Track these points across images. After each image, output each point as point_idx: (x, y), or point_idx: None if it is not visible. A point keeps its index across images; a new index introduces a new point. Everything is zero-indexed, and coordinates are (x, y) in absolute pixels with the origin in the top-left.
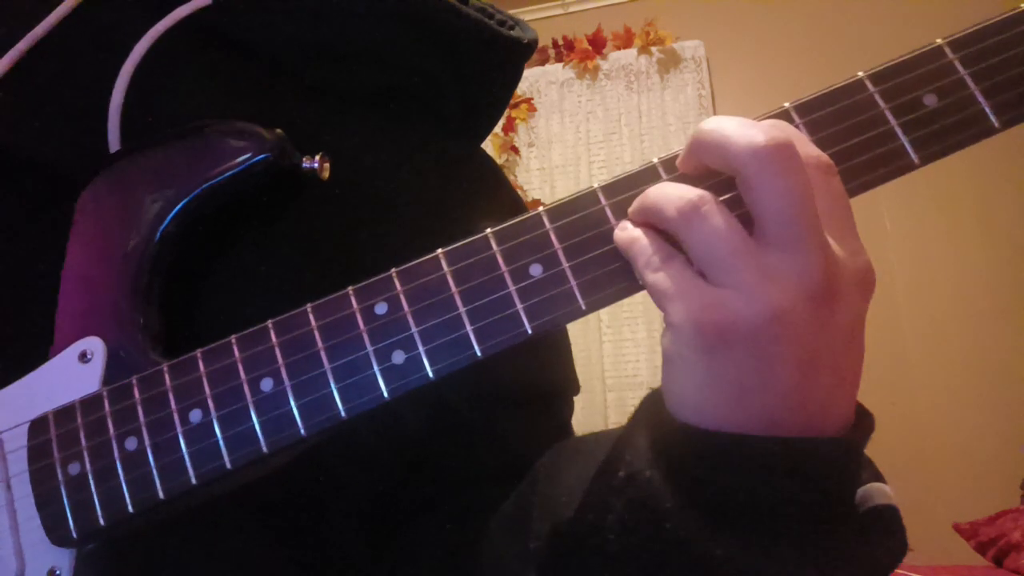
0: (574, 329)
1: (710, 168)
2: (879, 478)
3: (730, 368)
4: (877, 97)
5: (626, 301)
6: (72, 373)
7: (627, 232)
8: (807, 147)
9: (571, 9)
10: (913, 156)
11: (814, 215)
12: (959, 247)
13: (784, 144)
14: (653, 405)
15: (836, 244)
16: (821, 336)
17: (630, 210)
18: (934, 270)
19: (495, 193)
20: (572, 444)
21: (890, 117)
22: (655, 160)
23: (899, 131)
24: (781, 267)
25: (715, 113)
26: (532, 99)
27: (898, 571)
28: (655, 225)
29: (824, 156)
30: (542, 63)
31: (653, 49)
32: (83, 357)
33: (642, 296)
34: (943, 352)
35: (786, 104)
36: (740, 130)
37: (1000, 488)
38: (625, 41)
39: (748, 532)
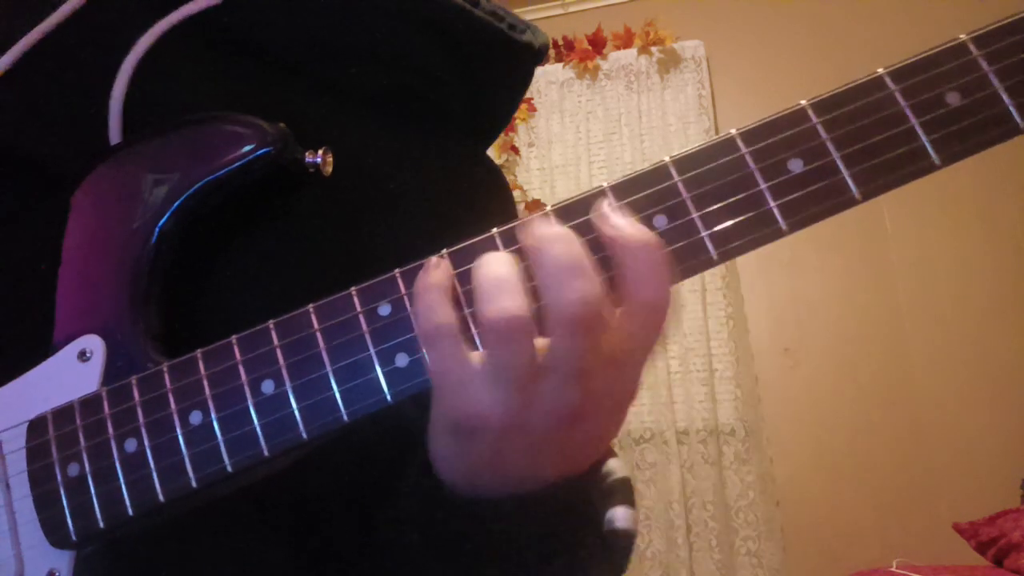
0: None
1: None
2: (628, 502)
3: (473, 453)
4: (897, 95)
5: None
6: (71, 372)
7: (426, 279)
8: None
9: (571, 9)
10: (934, 157)
11: (593, 372)
12: (960, 247)
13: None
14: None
15: (599, 388)
16: (564, 447)
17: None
18: (935, 270)
19: (498, 194)
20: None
21: (911, 116)
22: (667, 160)
23: (920, 130)
24: (542, 400)
25: (715, 113)
26: (532, 99)
27: (898, 571)
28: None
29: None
30: (542, 63)
31: (653, 49)
32: (82, 356)
33: None
34: (943, 352)
35: (803, 102)
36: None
37: (1000, 488)
38: (625, 41)
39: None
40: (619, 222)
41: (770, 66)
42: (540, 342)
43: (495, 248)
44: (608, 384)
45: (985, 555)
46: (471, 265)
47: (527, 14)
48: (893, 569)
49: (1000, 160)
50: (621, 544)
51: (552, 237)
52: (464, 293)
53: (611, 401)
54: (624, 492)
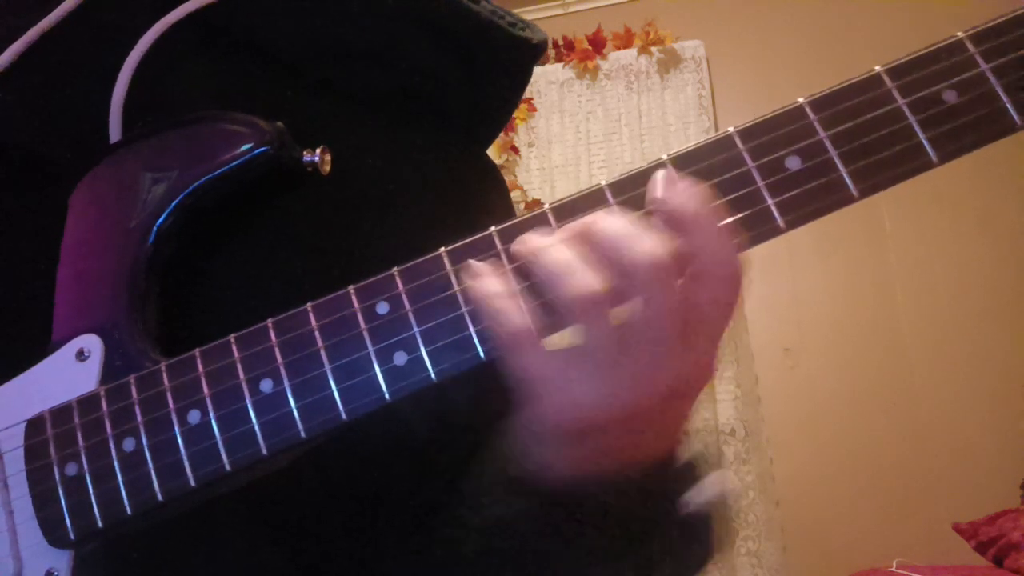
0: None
1: None
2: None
3: (576, 453)
4: (895, 92)
5: None
6: (69, 371)
7: (486, 287)
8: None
9: (571, 9)
10: (932, 154)
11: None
12: (959, 247)
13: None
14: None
15: (692, 350)
16: (659, 426)
17: (576, 230)
18: (934, 270)
19: (497, 193)
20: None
21: (908, 113)
22: (665, 157)
23: (917, 128)
24: (642, 374)
25: (715, 113)
26: (532, 99)
27: (898, 571)
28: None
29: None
30: (542, 63)
31: (653, 49)
32: (80, 355)
33: None
34: (943, 352)
35: (800, 99)
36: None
37: (1000, 488)
38: (625, 41)
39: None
40: (684, 189)
41: (770, 66)
42: (618, 311)
43: (494, 247)
44: (688, 351)
45: (985, 555)
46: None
47: (527, 14)
48: (893, 569)
49: (999, 160)
50: (715, 511)
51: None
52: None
53: (697, 370)
54: (705, 461)
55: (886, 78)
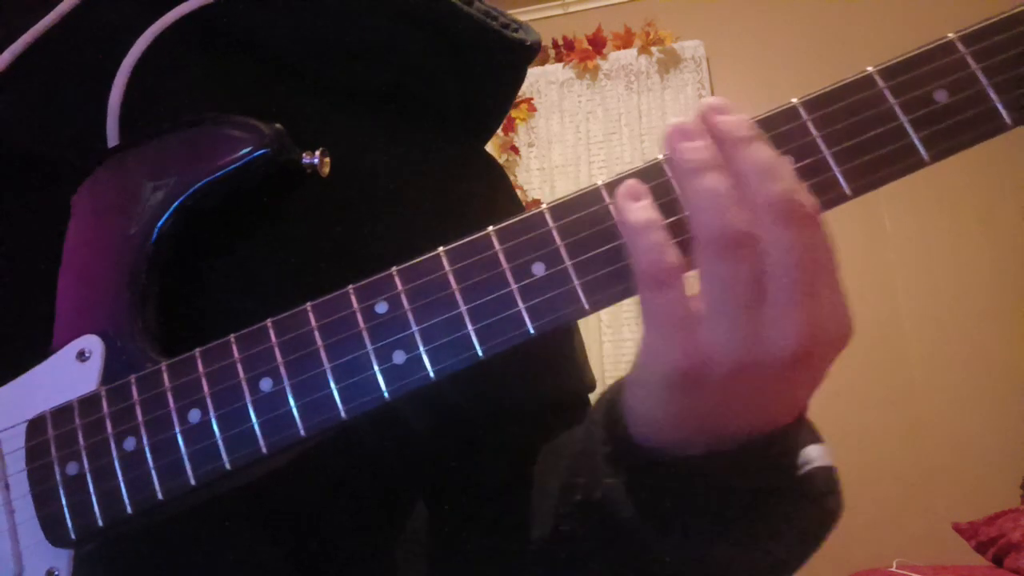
0: None
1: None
2: (817, 439)
3: (698, 407)
4: (887, 93)
5: (627, 300)
6: (70, 372)
7: (644, 214)
8: (800, 194)
9: (571, 9)
10: (923, 153)
11: (816, 279)
12: (959, 247)
13: (806, 209)
14: (610, 413)
15: (823, 304)
16: (786, 390)
17: (668, 155)
18: (934, 270)
19: (498, 193)
20: (556, 446)
21: (900, 113)
22: (661, 157)
23: (909, 128)
24: (771, 327)
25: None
26: (532, 99)
27: (898, 571)
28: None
29: (815, 204)
30: (542, 63)
31: (653, 49)
32: (81, 356)
33: None
34: (943, 352)
35: (794, 100)
36: (767, 181)
37: (1000, 488)
38: (625, 41)
39: (695, 531)
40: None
41: (770, 66)
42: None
43: (492, 247)
44: (825, 310)
45: (985, 555)
46: (473, 259)
47: (527, 14)
48: (893, 569)
49: (999, 160)
50: (823, 484)
51: (743, 135)
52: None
53: (829, 334)
54: (811, 431)
55: (878, 79)
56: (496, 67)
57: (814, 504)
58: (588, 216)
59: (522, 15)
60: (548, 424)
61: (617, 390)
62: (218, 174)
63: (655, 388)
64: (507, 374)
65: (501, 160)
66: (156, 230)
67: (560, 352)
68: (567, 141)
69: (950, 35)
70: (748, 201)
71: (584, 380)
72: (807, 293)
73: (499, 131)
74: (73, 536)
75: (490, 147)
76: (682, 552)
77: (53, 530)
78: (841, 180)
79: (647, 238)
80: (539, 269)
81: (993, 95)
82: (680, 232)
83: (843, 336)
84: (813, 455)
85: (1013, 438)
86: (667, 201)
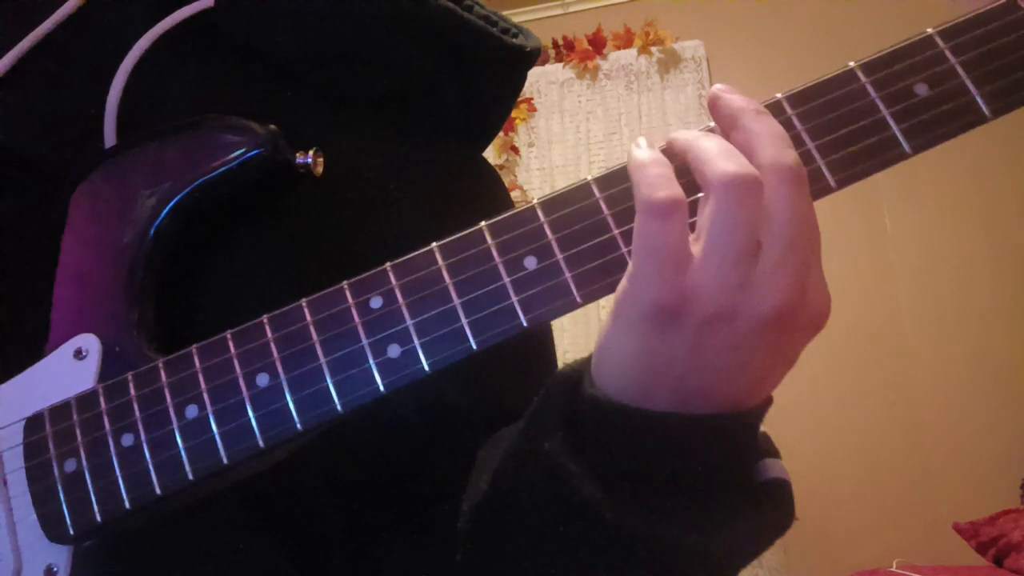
0: (574, 325)
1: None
2: (774, 454)
3: (666, 349)
4: (868, 87)
5: None
6: (67, 370)
7: (650, 153)
8: (785, 152)
9: (571, 9)
10: (905, 145)
11: (809, 249)
12: (960, 247)
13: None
14: (566, 377)
15: (808, 276)
16: (759, 352)
17: (673, 136)
18: (934, 270)
19: (494, 200)
20: (503, 432)
21: (881, 106)
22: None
23: (891, 120)
24: (758, 282)
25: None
26: (532, 99)
27: (898, 571)
28: (690, 166)
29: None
30: (542, 63)
31: (653, 49)
32: (78, 354)
33: None
34: (944, 352)
35: (778, 95)
36: (782, 145)
37: (1000, 488)
38: (625, 41)
39: (645, 497)
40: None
41: (770, 66)
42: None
43: (484, 241)
44: (810, 283)
45: (985, 555)
46: (466, 253)
47: (527, 14)
48: (893, 569)
49: (999, 160)
50: (781, 494)
51: (761, 108)
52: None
53: (808, 308)
54: (769, 444)
55: (860, 73)
56: (496, 73)
57: (769, 509)
58: (579, 210)
59: (522, 15)
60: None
61: (565, 368)
62: (213, 174)
63: (630, 321)
64: (504, 376)
65: (501, 160)
66: (153, 230)
67: (549, 353)
68: (567, 141)
69: (929, 30)
70: (758, 161)
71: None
72: (798, 258)
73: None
74: (72, 532)
75: (490, 147)
76: (630, 521)
77: (52, 527)
78: (825, 172)
79: (651, 169)
80: (531, 263)
81: (972, 88)
82: (685, 175)
83: (821, 315)
84: (772, 467)
85: (1013, 438)
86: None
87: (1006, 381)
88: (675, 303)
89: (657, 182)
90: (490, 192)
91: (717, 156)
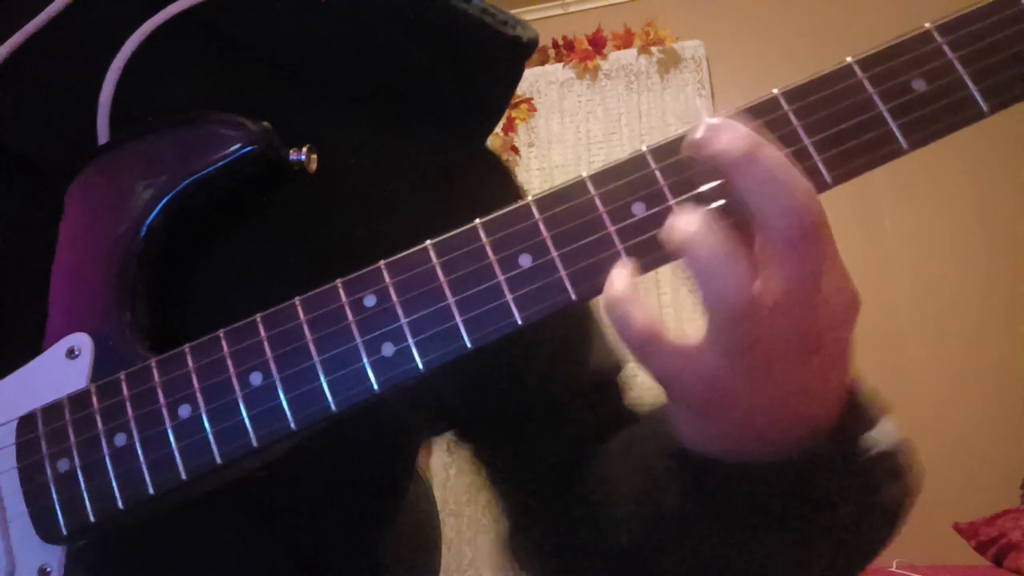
0: None
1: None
2: (883, 414)
3: (723, 422)
4: (866, 82)
5: None
6: (60, 369)
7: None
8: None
9: (571, 9)
10: (902, 141)
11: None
12: (959, 247)
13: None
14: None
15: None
16: (809, 376)
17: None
18: (934, 270)
19: (499, 193)
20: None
21: (879, 102)
22: (644, 148)
23: (888, 116)
24: (774, 331)
25: (715, 113)
26: (532, 99)
27: (898, 571)
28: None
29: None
30: (542, 63)
31: (653, 49)
32: (71, 353)
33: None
34: (943, 352)
35: (775, 91)
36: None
37: (1000, 488)
38: (625, 41)
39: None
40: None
41: (770, 66)
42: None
43: (478, 239)
44: (831, 300)
45: (985, 555)
46: (460, 251)
47: (527, 14)
48: (893, 569)
49: (999, 160)
50: (889, 467)
51: (754, 144)
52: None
53: (836, 319)
54: (875, 408)
55: (857, 68)
56: (493, 64)
57: (879, 490)
58: (574, 208)
59: (522, 15)
60: (591, 405)
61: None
62: (206, 171)
63: (683, 419)
64: (550, 353)
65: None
66: (145, 227)
67: (593, 331)
68: (567, 141)
69: (926, 24)
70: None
71: (612, 359)
72: (806, 303)
73: (499, 131)
74: (65, 532)
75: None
76: (750, 553)
77: (45, 527)
78: (822, 168)
79: (620, 311)
80: (526, 260)
81: (970, 83)
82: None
83: (848, 309)
84: (879, 436)
85: (1013, 438)
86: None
87: (1005, 380)
88: (710, 398)
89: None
90: (492, 182)
91: (785, 197)
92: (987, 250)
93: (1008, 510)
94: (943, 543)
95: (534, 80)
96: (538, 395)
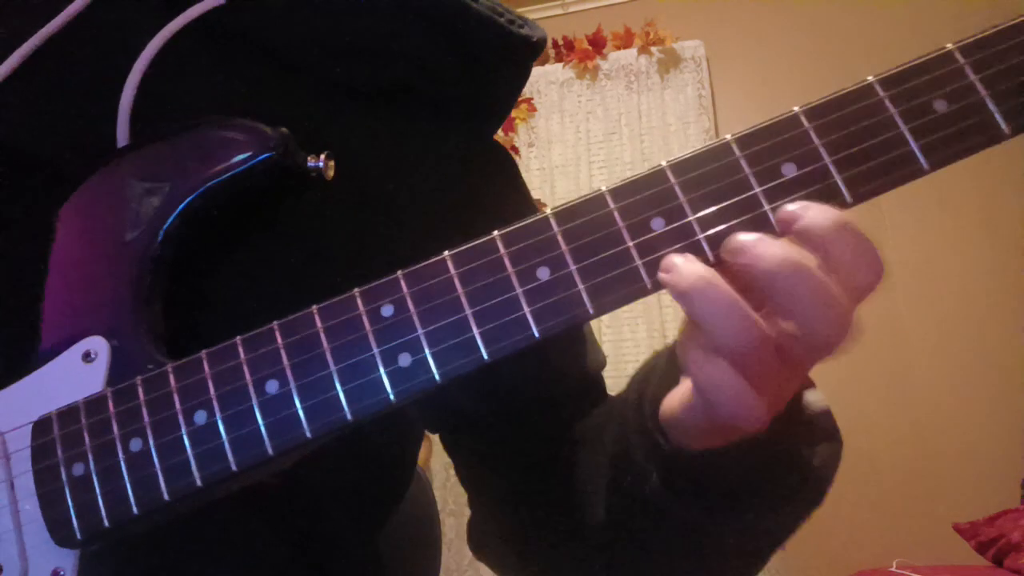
0: None
1: None
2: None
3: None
4: (887, 102)
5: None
6: (76, 373)
7: (715, 283)
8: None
9: (571, 9)
10: (923, 162)
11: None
12: (960, 247)
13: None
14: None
15: None
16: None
17: (733, 246)
18: (934, 270)
19: (508, 194)
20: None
21: (900, 122)
22: (664, 164)
23: (909, 136)
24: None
25: (715, 113)
26: (532, 99)
27: (898, 571)
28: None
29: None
30: (542, 63)
31: (653, 49)
32: (87, 357)
33: (644, 298)
34: (943, 352)
35: (795, 108)
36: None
37: (1000, 488)
38: (625, 41)
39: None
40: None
41: (770, 66)
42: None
43: (496, 251)
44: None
45: (985, 555)
46: (478, 262)
47: (527, 14)
48: (893, 569)
49: (1000, 161)
50: (825, 426)
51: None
52: None
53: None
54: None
55: (879, 88)
56: (501, 63)
57: (823, 455)
58: (592, 221)
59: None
60: (576, 402)
61: (639, 388)
62: (223, 177)
63: (697, 431)
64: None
65: None
66: (161, 232)
67: (579, 332)
68: (567, 141)
69: (949, 45)
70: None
71: (599, 358)
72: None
73: (499, 131)
74: (79, 537)
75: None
76: (728, 526)
77: (59, 531)
78: (842, 188)
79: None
80: (544, 273)
81: (991, 105)
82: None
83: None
84: (812, 401)
85: (1013, 438)
86: (672, 207)
87: (1006, 381)
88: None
89: (745, 328)
90: (505, 184)
91: (820, 316)
92: (988, 250)
93: (1008, 510)
94: (943, 543)
95: (534, 80)
96: (528, 388)
